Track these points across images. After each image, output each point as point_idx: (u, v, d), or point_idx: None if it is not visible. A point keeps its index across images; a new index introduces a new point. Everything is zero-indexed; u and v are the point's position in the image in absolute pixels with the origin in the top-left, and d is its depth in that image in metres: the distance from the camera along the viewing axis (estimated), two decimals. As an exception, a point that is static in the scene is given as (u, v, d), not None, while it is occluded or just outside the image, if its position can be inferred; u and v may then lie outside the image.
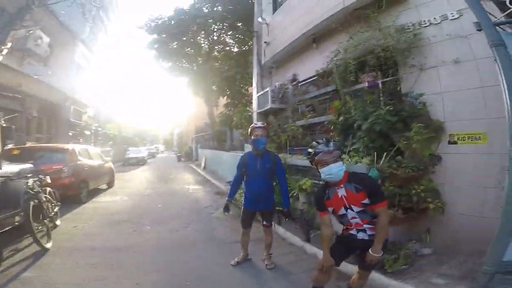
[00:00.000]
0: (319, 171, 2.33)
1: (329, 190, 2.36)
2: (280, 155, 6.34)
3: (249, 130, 3.66)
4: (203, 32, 15.74)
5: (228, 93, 15.65)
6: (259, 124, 3.65)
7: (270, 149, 6.85)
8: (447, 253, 3.39)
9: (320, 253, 3.88)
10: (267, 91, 7.05)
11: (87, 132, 18.01)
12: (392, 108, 3.92)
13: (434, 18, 3.77)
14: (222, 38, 16.28)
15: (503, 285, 2.40)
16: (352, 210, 2.30)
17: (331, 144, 2.35)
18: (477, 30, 2.85)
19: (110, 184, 10.45)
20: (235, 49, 16.38)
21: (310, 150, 2.44)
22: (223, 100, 17.11)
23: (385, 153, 3.82)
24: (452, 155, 3.61)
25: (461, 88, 3.54)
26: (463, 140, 3.51)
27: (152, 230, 5.41)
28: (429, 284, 2.88)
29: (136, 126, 44.06)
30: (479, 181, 3.38)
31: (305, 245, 4.30)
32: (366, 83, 4.31)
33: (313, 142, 2.48)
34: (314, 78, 6.00)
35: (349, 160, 4.15)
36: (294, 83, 6.26)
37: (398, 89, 4.28)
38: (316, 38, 5.92)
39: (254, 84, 8.24)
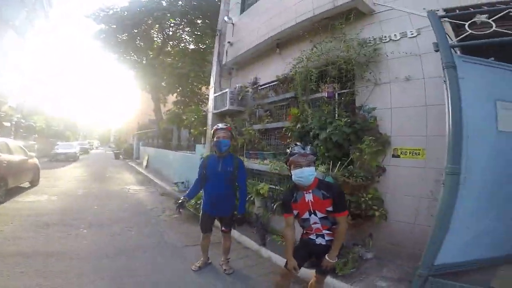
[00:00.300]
0: (291, 172, 2.38)
1: (297, 193, 2.41)
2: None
3: (212, 131, 3.55)
4: (157, 26, 14.94)
5: (178, 90, 15.07)
6: (222, 125, 3.53)
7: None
8: (387, 257, 3.64)
9: (275, 257, 4.01)
10: (226, 92, 6.93)
11: (7, 124, 15.61)
12: (348, 120, 4.06)
13: (395, 34, 3.96)
14: (178, 33, 15.64)
15: (435, 287, 2.66)
16: (316, 216, 2.38)
17: (308, 148, 2.40)
18: (435, 50, 2.92)
19: (34, 182, 9.13)
20: (191, 46, 15.87)
21: (287, 150, 2.49)
22: (172, 98, 16.42)
23: (339, 162, 4.03)
24: (394, 167, 3.91)
25: (409, 105, 3.78)
26: (405, 155, 3.82)
27: (90, 234, 4.82)
28: (374, 287, 3.06)
29: (68, 119, 40.00)
30: (415, 192, 3.69)
31: (261, 249, 4.30)
32: (326, 93, 4.46)
33: (292, 144, 2.55)
34: (274, 83, 6.04)
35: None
36: (255, 86, 6.28)
37: (353, 101, 4.46)
38: (280, 43, 5.98)
39: (212, 84, 8.05)
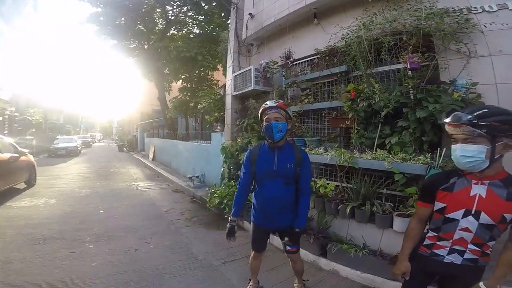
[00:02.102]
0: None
1: (458, 179, 1.52)
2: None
3: (259, 113, 2.38)
4: (158, 10, 13.45)
5: (183, 77, 13.79)
6: (271, 103, 2.31)
7: (249, 138, 5.91)
8: None
9: (344, 270, 3.13)
10: (250, 69, 5.73)
11: (-1, 118, 14.34)
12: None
13: (489, 6, 3.30)
14: (181, 17, 14.17)
15: None
16: (476, 220, 1.45)
17: (473, 115, 1.36)
18: None
19: (30, 183, 7.87)
20: (196, 30, 14.41)
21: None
22: (176, 85, 15.14)
23: (444, 149, 2.94)
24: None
25: None
26: None
27: (99, 251, 3.71)
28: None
29: (68, 112, 38.72)
30: None
31: (319, 260, 3.41)
32: (408, 65, 3.38)
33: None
34: (312, 57, 4.93)
35: (392, 157, 3.20)
36: (288, 61, 5.11)
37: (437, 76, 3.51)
38: (318, 13, 4.82)
39: (230, 63, 6.84)
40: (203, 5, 12.61)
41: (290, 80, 5.03)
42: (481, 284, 1.47)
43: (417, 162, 3.02)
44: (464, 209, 1.47)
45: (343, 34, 4.20)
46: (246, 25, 6.22)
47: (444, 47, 3.47)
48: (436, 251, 1.61)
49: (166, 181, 9.41)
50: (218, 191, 5.39)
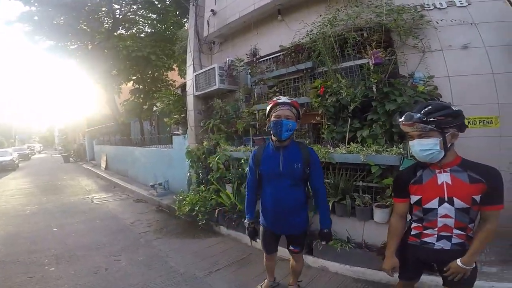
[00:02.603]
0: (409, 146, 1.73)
1: (423, 172, 1.66)
2: (231, 148, 5.13)
3: (267, 108, 2.20)
4: (104, 9, 12.32)
5: (134, 78, 12.85)
6: (285, 98, 2.15)
7: (216, 140, 5.65)
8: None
9: (334, 266, 3.10)
10: (213, 68, 5.48)
11: None
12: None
13: (440, 3, 3.58)
14: (130, 16, 13.16)
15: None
16: (451, 205, 1.55)
17: (419, 113, 1.52)
18: None
19: None
20: (148, 29, 13.49)
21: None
22: (127, 87, 14.03)
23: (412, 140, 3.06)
24: (462, 138, 3.18)
25: (470, 73, 3.38)
26: (474, 124, 3.30)
27: (63, 273, 3.23)
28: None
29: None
30: (492, 164, 2.98)
31: (305, 258, 3.25)
32: (373, 59, 3.50)
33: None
34: (277, 54, 4.88)
35: (366, 149, 3.25)
36: (255, 58, 4.99)
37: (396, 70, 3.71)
38: (282, 9, 4.79)
39: (190, 61, 6.47)
40: (156, 3, 11.87)
41: (257, 77, 4.93)
42: (458, 261, 1.56)
43: (390, 153, 3.11)
44: (438, 197, 1.58)
45: (307, 31, 4.22)
46: (208, 22, 5.96)
47: (402, 43, 3.65)
48: (425, 239, 1.68)
49: (125, 191, 8.66)
50: (187, 198, 5.08)
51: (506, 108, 3.24)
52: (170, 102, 7.51)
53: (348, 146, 3.51)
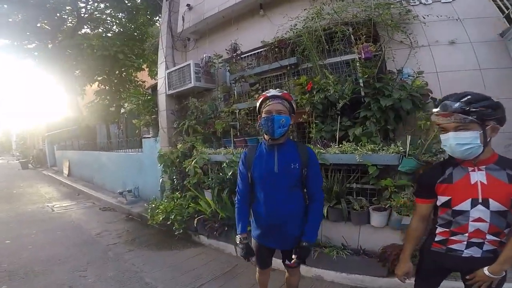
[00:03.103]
0: (440, 139, 1.45)
1: (453, 170, 1.45)
2: (210, 151, 4.67)
3: (258, 102, 1.91)
4: (68, 8, 11.26)
5: (100, 78, 11.86)
6: (275, 91, 1.86)
7: (192, 142, 5.13)
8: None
9: (328, 275, 2.87)
10: (188, 65, 5.00)
11: None
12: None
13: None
14: (97, 15, 12.15)
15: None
16: (486, 208, 1.35)
17: (457, 103, 1.33)
18: None
19: None
20: (116, 29, 12.53)
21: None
22: (91, 89, 12.91)
23: (409, 136, 2.84)
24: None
25: (458, 68, 3.29)
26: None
27: None
28: None
29: None
30: None
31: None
32: (362, 54, 3.31)
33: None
34: (260, 50, 4.54)
35: (360, 149, 2.98)
36: (235, 54, 4.59)
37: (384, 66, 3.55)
38: (264, 3, 4.48)
39: (162, 59, 5.91)
40: (125, 1, 11.07)
41: (237, 74, 4.54)
42: (485, 269, 1.38)
43: (387, 152, 2.87)
44: (470, 198, 1.38)
45: (291, 25, 3.95)
46: (183, 17, 5.47)
47: (389, 38, 3.51)
48: (452, 246, 1.48)
49: (90, 198, 7.79)
50: (161, 206, 4.55)
51: None
52: (140, 102, 6.85)
53: (340, 145, 3.22)
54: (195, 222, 4.00)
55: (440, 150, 2.99)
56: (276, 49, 4.10)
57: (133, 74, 11.74)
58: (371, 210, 2.91)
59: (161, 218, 4.28)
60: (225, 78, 5.10)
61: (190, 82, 5.02)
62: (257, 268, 2.18)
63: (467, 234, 1.41)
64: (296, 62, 3.99)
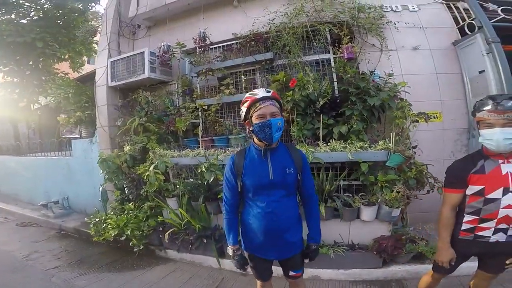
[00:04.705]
0: (478, 132, 1.57)
1: (485, 162, 1.57)
2: (174, 153, 3.96)
3: (245, 105, 1.62)
4: None
5: (6, 69, 9.39)
6: (264, 92, 1.60)
7: (144, 143, 4.24)
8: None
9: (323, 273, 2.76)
10: (142, 52, 4.16)
11: None
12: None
13: (396, 6, 3.71)
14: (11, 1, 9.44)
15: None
16: None
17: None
18: (478, 27, 3.26)
19: None
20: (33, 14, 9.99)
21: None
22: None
23: (393, 133, 2.85)
24: (414, 132, 3.33)
25: (418, 72, 3.56)
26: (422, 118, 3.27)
27: None
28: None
29: None
30: (438, 155, 3.47)
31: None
32: (345, 54, 3.33)
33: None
34: (230, 42, 4.09)
35: (350, 146, 2.89)
36: (203, 45, 3.98)
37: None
38: None
39: (104, 45, 4.79)
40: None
41: (204, 67, 3.96)
42: None
43: (375, 149, 2.83)
44: (502, 187, 1.49)
45: (269, 19, 3.68)
46: (138, 1, 4.56)
47: (363, 40, 3.58)
48: (480, 233, 1.60)
49: (1, 212, 5.96)
50: (110, 220, 3.65)
51: (446, 104, 3.53)
52: (69, 95, 5.54)
53: (327, 144, 3.06)
54: (166, 236, 3.29)
55: (412, 145, 3.15)
56: (252, 43, 3.72)
57: (53, 65, 9.65)
58: (362, 206, 2.87)
59: (113, 234, 3.41)
60: (185, 70, 4.46)
61: (143, 73, 4.23)
62: (258, 282, 1.91)
63: (495, 220, 1.53)
64: (271, 58, 3.71)
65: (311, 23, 3.49)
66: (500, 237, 1.56)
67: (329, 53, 3.67)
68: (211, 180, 3.16)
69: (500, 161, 1.52)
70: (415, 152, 3.09)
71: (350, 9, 3.43)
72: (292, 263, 1.78)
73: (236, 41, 3.99)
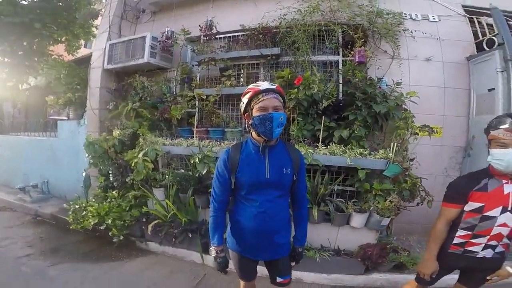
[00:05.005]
0: (488, 150, 1.58)
1: (489, 180, 1.59)
2: (166, 141, 3.77)
3: (247, 96, 1.51)
4: None
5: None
6: (267, 84, 1.48)
7: (134, 129, 4.03)
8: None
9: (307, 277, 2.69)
10: (144, 37, 4.00)
11: None
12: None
13: (416, 14, 3.61)
14: None
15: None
16: None
17: None
18: (499, 43, 3.16)
19: None
20: None
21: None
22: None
23: (394, 143, 2.79)
24: (413, 145, 3.25)
25: (427, 84, 3.48)
26: (423, 132, 3.21)
27: None
28: None
29: None
30: (432, 170, 3.46)
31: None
32: (357, 57, 3.27)
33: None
34: (237, 34, 3.99)
35: (349, 152, 2.82)
36: (210, 33, 3.84)
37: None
38: None
39: (105, 28, 4.58)
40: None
41: (206, 56, 3.83)
42: (508, 268, 1.61)
43: (374, 157, 2.76)
44: (501, 206, 1.54)
45: (280, 14, 3.59)
46: None
47: (376, 46, 3.50)
48: (469, 248, 1.65)
49: None
50: (91, 207, 3.43)
51: (448, 120, 3.49)
52: (61, 75, 5.30)
53: (326, 146, 2.95)
54: (149, 227, 3.08)
55: (410, 158, 3.06)
56: (260, 36, 3.63)
57: (48, 46, 9.34)
58: (353, 212, 2.81)
59: (92, 223, 3.18)
60: (186, 58, 4.33)
61: (142, 57, 4.08)
62: (241, 282, 1.83)
63: (488, 237, 1.58)
64: (278, 53, 3.61)
65: (324, 22, 3.40)
66: (488, 253, 1.62)
67: (338, 54, 3.59)
68: (204, 172, 2.99)
69: (504, 181, 1.55)
70: (412, 165, 3.01)
71: (368, 12, 3.36)
72: (280, 266, 1.70)
73: (243, 33, 3.89)
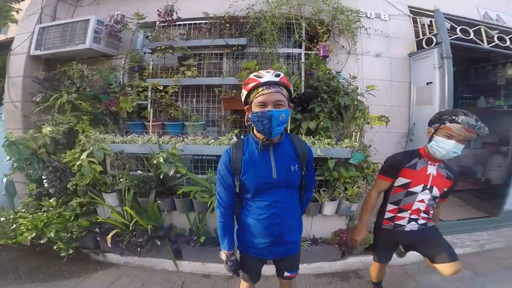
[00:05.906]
0: (432, 137, 1.75)
1: (419, 160, 1.85)
2: (115, 138, 3.29)
3: (246, 88, 1.40)
4: None
5: None
6: (270, 76, 1.34)
7: (71, 124, 3.34)
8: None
9: None
10: (87, 20, 3.46)
11: None
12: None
13: (370, 13, 3.88)
14: None
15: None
16: (430, 193, 1.84)
17: (480, 123, 1.63)
18: (437, 42, 3.56)
19: None
20: None
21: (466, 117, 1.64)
22: None
23: (358, 133, 3.02)
24: (366, 134, 3.50)
25: (376, 78, 3.76)
26: (374, 121, 3.48)
27: None
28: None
29: None
30: (382, 156, 3.52)
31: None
32: (321, 52, 3.39)
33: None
34: (199, 22, 3.74)
35: (318, 143, 2.91)
36: (169, 19, 3.44)
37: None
38: None
39: (35, 9, 3.79)
40: None
41: (163, 43, 3.49)
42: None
43: (341, 146, 2.95)
44: (423, 184, 1.81)
45: (249, 4, 3.54)
46: None
47: (335, 41, 3.71)
48: (397, 222, 1.92)
49: None
50: (23, 219, 2.81)
51: (394, 110, 3.86)
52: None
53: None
54: (108, 239, 2.65)
55: (367, 145, 3.29)
56: (227, 25, 3.49)
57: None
58: (326, 201, 2.95)
59: (29, 237, 2.58)
60: (137, 45, 3.90)
61: (83, 43, 3.57)
62: (245, 283, 1.78)
63: (409, 211, 1.86)
64: (244, 44, 3.54)
65: (291, 15, 3.45)
66: (413, 226, 1.89)
67: (301, 48, 3.66)
68: (171, 173, 2.71)
69: (429, 162, 1.82)
70: (371, 152, 3.25)
71: (332, 8, 3.52)
72: (290, 263, 1.71)
73: (206, 21, 3.69)
